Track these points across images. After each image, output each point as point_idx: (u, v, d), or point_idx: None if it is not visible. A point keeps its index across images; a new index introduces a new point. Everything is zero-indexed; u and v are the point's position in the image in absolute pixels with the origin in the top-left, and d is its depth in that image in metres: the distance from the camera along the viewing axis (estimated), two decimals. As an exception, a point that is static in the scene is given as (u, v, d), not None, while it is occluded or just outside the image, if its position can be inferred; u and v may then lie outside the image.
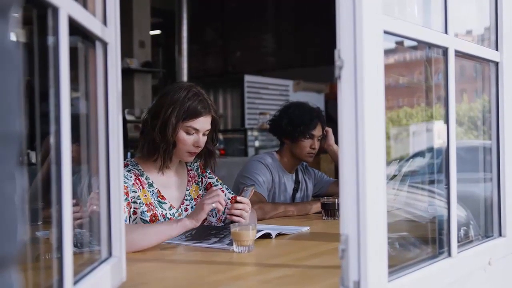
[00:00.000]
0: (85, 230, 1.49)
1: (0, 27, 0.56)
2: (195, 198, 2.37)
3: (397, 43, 1.49)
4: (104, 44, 1.35)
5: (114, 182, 1.39)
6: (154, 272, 1.69)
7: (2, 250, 0.55)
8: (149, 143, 2.21)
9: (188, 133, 2.20)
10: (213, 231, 2.15)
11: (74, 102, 1.11)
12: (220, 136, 7.81)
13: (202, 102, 2.21)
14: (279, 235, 2.20)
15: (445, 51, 1.53)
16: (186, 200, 2.34)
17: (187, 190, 2.36)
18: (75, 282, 1.10)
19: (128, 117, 6.82)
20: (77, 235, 1.47)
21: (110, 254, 1.38)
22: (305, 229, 2.37)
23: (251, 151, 7.44)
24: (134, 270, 1.59)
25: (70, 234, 1.03)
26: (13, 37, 0.59)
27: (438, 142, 1.92)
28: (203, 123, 2.22)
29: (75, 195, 1.08)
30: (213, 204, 1.99)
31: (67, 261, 1.02)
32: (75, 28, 1.12)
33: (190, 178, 2.39)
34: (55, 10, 1.00)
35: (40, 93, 1.05)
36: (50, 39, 1.02)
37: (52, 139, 1.02)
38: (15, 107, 0.58)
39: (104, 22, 1.35)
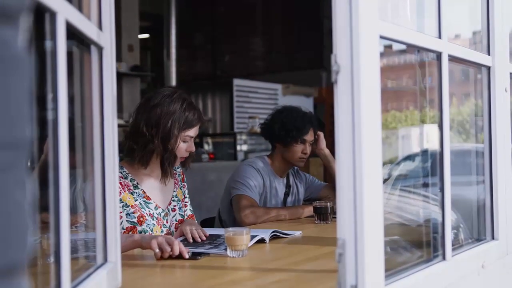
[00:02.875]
0: (78, 235, 1.49)
1: (10, 34, 0.56)
2: (181, 200, 2.46)
3: (385, 46, 1.49)
4: (100, 49, 1.35)
5: (110, 187, 1.38)
6: (149, 277, 1.68)
7: (13, 257, 0.55)
8: (148, 153, 2.26)
9: (184, 141, 2.30)
10: (206, 240, 2.14)
11: (68, 107, 1.11)
12: (209, 140, 7.80)
13: (197, 111, 2.33)
14: (274, 238, 2.20)
15: (438, 55, 1.54)
16: (174, 200, 2.42)
17: (174, 191, 2.44)
18: (72, 288, 1.09)
19: (117, 121, 6.78)
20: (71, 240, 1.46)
21: (105, 259, 1.37)
22: (298, 233, 2.37)
23: (240, 155, 7.43)
24: (129, 275, 1.58)
25: (67, 240, 1.03)
26: (22, 43, 0.59)
27: (428, 145, 1.93)
28: (197, 130, 2.34)
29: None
30: (157, 250, 1.83)
31: (65, 267, 1.01)
32: (71, 33, 1.11)
33: (176, 181, 2.47)
34: (53, 15, 0.99)
35: (36, 97, 1.04)
36: (48, 43, 1.01)
37: (49, 144, 1.02)
38: (25, 114, 0.58)
39: (100, 26, 1.35)
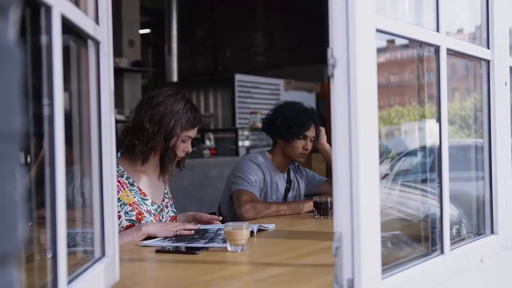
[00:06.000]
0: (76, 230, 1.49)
1: (0, 26, 0.56)
2: (171, 198, 2.52)
3: (388, 41, 1.49)
4: (97, 43, 1.35)
5: (107, 182, 1.39)
6: (148, 272, 1.69)
7: (3, 247, 0.56)
8: (149, 150, 2.30)
9: (183, 141, 2.34)
10: (195, 235, 2.15)
11: (66, 102, 1.11)
12: (211, 136, 7.81)
13: (198, 113, 2.38)
14: (259, 231, 2.25)
15: (437, 49, 1.53)
16: (166, 198, 2.47)
17: (166, 189, 2.49)
18: (69, 282, 1.10)
19: (118, 117, 6.80)
20: (70, 234, 1.47)
21: (103, 253, 1.38)
22: (271, 226, 2.40)
23: (242, 151, 7.43)
24: (127, 270, 1.59)
25: (64, 235, 1.03)
26: (12, 35, 0.59)
27: (430, 141, 1.93)
28: (195, 131, 2.39)
29: (67, 195, 1.07)
30: (177, 232, 2.14)
31: (61, 261, 1.02)
32: (67, 27, 1.11)
33: (166, 180, 2.52)
34: (48, 9, 0.99)
35: (32, 92, 1.04)
36: (43, 38, 1.01)
37: (45, 140, 1.02)
38: (16, 106, 0.58)
39: (96, 21, 1.35)
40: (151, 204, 2.35)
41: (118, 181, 2.25)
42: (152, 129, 2.27)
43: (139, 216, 2.26)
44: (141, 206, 2.29)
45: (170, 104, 2.29)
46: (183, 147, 2.35)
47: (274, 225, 2.43)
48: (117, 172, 2.28)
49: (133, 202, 2.27)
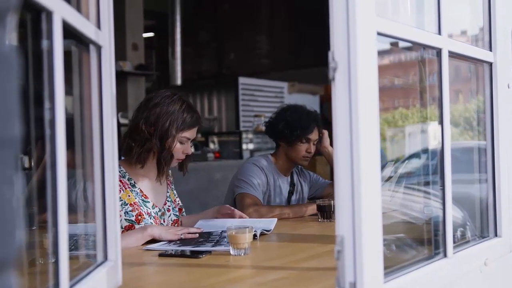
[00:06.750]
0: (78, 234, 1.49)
1: (-2, 32, 0.56)
2: (173, 201, 2.51)
3: (391, 44, 1.49)
4: (98, 48, 1.35)
5: (109, 186, 1.39)
6: (150, 276, 1.69)
7: (1, 253, 0.56)
8: (146, 152, 2.30)
9: (181, 142, 2.33)
10: (200, 238, 2.15)
11: (67, 106, 1.11)
12: (215, 139, 7.81)
13: (196, 114, 2.37)
14: (262, 234, 2.25)
15: (438, 52, 1.53)
16: (168, 201, 2.47)
17: (168, 192, 2.49)
18: (71, 286, 1.10)
19: (122, 121, 6.80)
20: (72, 238, 1.47)
21: (105, 258, 1.38)
22: (273, 222, 2.42)
23: (246, 154, 7.43)
24: (130, 274, 1.59)
25: (65, 239, 1.03)
26: (10, 41, 0.59)
27: (434, 143, 1.93)
28: (195, 132, 2.38)
29: (70, 200, 1.08)
30: (182, 236, 2.15)
31: (63, 265, 1.02)
32: (69, 32, 1.12)
33: (169, 183, 2.52)
34: (49, 14, 1.00)
35: (34, 97, 1.04)
36: (44, 43, 1.02)
37: (46, 144, 1.02)
38: (14, 111, 0.58)
39: (98, 25, 1.35)
40: (152, 206, 2.35)
41: (120, 181, 2.26)
42: (149, 130, 2.28)
43: (139, 217, 2.26)
44: (141, 207, 2.29)
45: (166, 105, 2.29)
46: (182, 149, 2.34)
47: (275, 219, 2.45)
48: (119, 172, 2.29)
49: (133, 203, 2.27)
